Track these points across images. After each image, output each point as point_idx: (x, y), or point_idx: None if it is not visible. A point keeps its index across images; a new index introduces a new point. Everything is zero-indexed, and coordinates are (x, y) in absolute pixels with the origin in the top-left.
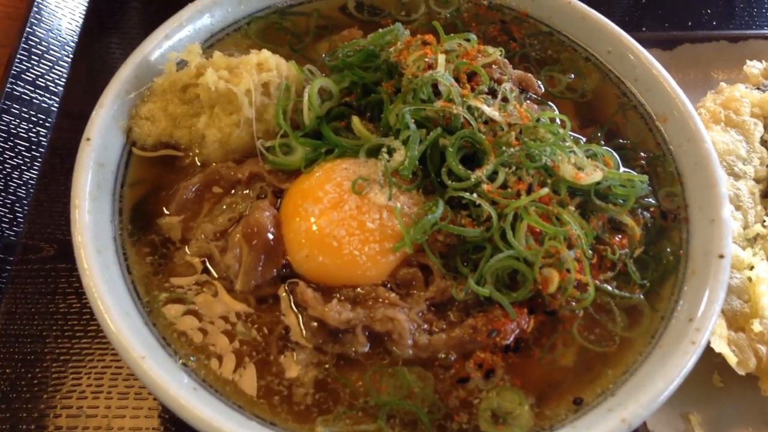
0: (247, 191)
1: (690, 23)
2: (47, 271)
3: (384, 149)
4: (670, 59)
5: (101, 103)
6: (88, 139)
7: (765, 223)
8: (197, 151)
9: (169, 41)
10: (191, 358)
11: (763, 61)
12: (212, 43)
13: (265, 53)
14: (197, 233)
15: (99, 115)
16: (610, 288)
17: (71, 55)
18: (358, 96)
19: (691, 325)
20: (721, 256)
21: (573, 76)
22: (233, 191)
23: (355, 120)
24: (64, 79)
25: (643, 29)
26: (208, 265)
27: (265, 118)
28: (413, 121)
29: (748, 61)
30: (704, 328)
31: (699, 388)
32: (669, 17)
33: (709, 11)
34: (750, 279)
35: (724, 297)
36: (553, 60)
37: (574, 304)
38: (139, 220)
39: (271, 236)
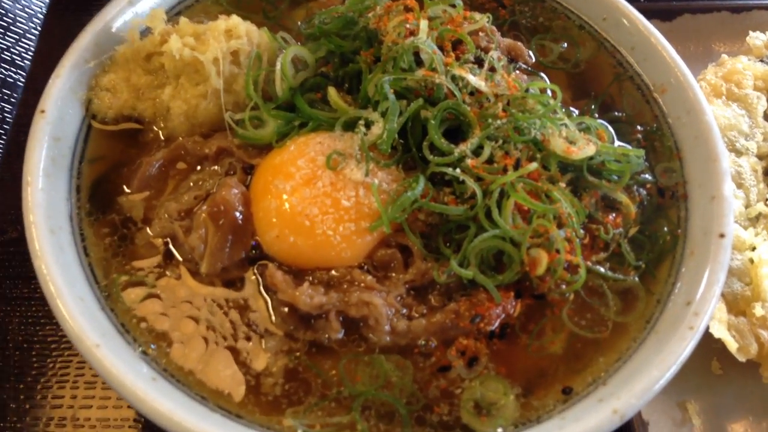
0: (215, 167)
1: None
2: (11, 255)
3: (361, 122)
4: (669, 31)
5: (57, 73)
6: (42, 111)
7: None
8: (162, 125)
9: (133, 7)
10: (151, 345)
11: (766, 32)
12: (180, 9)
13: (235, 19)
14: (160, 212)
15: (55, 85)
16: (602, 270)
17: (39, 28)
18: (336, 66)
19: (689, 309)
20: (722, 236)
21: (566, 45)
22: (200, 167)
23: (332, 91)
24: (31, 53)
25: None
26: (171, 246)
27: (235, 89)
28: (392, 91)
29: (751, 32)
30: (703, 312)
31: (697, 376)
32: None
33: None
34: (752, 260)
35: (724, 279)
36: (544, 28)
37: (564, 287)
38: (99, 199)
39: (239, 215)
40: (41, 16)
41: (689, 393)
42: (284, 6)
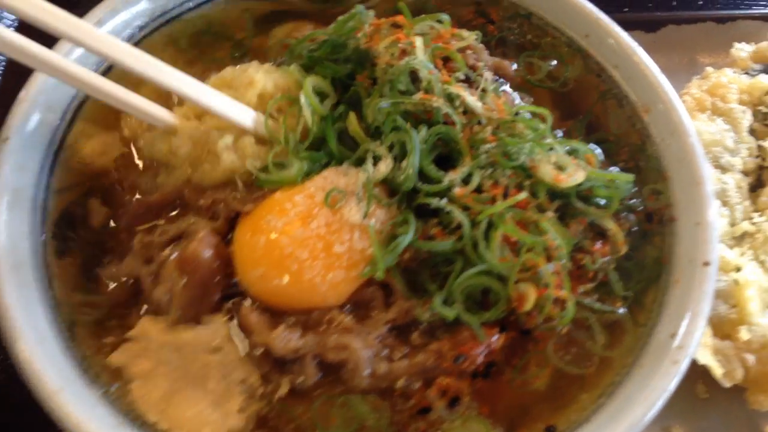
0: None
1: (675, 3)
2: None
3: (369, 155)
4: (653, 42)
5: (22, 97)
6: (6, 139)
7: (753, 221)
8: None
9: (104, 27)
10: (113, 385)
11: (753, 43)
12: (147, 33)
13: (256, 75)
14: (132, 252)
15: (21, 110)
16: (590, 302)
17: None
18: (338, 93)
19: (672, 341)
20: (707, 264)
21: (555, 62)
22: (187, 215)
23: (352, 118)
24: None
25: (625, 9)
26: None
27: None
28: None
29: (735, 44)
30: (687, 345)
31: (682, 400)
32: None
33: None
34: (737, 282)
35: (709, 309)
36: (533, 45)
37: (552, 322)
38: (66, 231)
39: (209, 270)
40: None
41: (674, 417)
42: (249, 40)
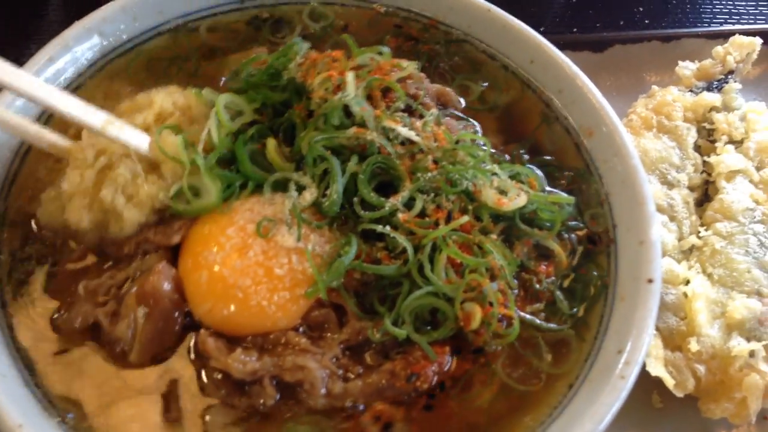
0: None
1: (622, 22)
2: None
3: (292, 185)
4: (600, 62)
5: None
6: None
7: (700, 234)
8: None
9: (55, 64)
10: (68, 415)
11: (696, 61)
12: (100, 67)
13: (156, 96)
14: (79, 299)
15: None
16: (537, 320)
17: None
18: (269, 116)
19: (620, 357)
20: (650, 281)
21: (486, 84)
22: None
23: (270, 144)
24: None
25: (574, 30)
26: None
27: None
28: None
29: (680, 62)
30: (634, 361)
31: (637, 409)
32: (601, 17)
33: (641, 9)
34: (685, 294)
35: (653, 325)
36: (469, 70)
37: (499, 339)
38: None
39: (171, 303)
40: None
41: (630, 427)
42: (197, 64)
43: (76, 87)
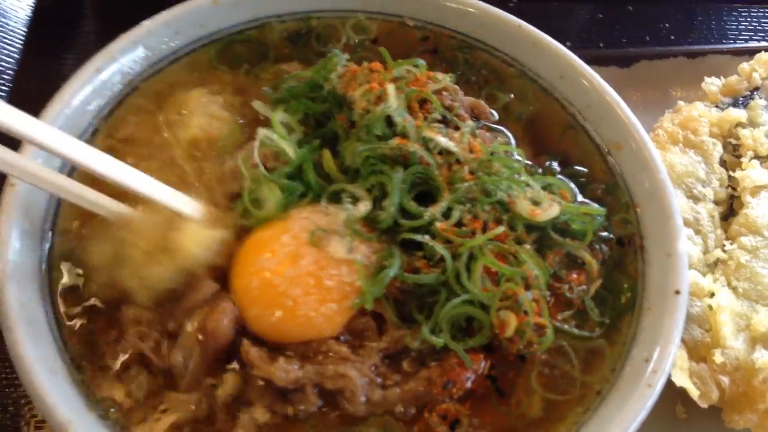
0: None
1: (648, 38)
2: None
3: (346, 196)
4: (627, 77)
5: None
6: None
7: (725, 248)
8: None
9: (101, 75)
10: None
11: (722, 77)
12: (149, 75)
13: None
14: (129, 334)
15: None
16: (568, 328)
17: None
18: (312, 128)
19: (647, 366)
20: (677, 292)
21: (512, 95)
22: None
23: (327, 155)
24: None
25: (601, 45)
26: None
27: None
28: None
29: (706, 78)
30: (661, 369)
31: (662, 420)
32: (626, 33)
33: (667, 25)
34: (710, 307)
35: (680, 336)
36: (498, 84)
37: (533, 347)
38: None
39: (226, 341)
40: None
41: None
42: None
43: (123, 98)
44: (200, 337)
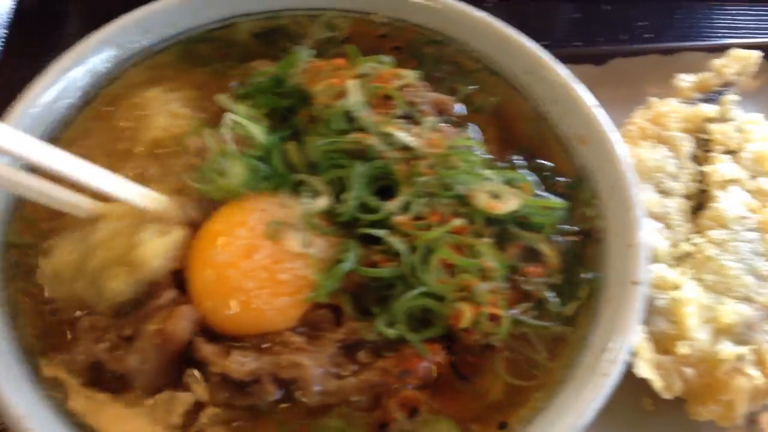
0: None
1: (624, 37)
2: None
3: (306, 188)
4: (601, 75)
5: None
6: None
7: (694, 241)
8: None
9: (69, 74)
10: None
11: (695, 73)
12: (118, 75)
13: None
14: (82, 332)
15: None
16: (527, 319)
17: None
18: (276, 122)
19: (604, 356)
20: (636, 283)
21: (483, 94)
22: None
23: (292, 147)
24: None
25: (577, 44)
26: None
27: None
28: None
29: (678, 75)
30: (617, 360)
31: (628, 412)
32: (604, 32)
33: (643, 24)
34: (676, 300)
35: (638, 326)
36: (465, 80)
37: (489, 338)
38: None
39: (184, 344)
40: None
41: (621, 429)
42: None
43: (90, 99)
44: (158, 340)
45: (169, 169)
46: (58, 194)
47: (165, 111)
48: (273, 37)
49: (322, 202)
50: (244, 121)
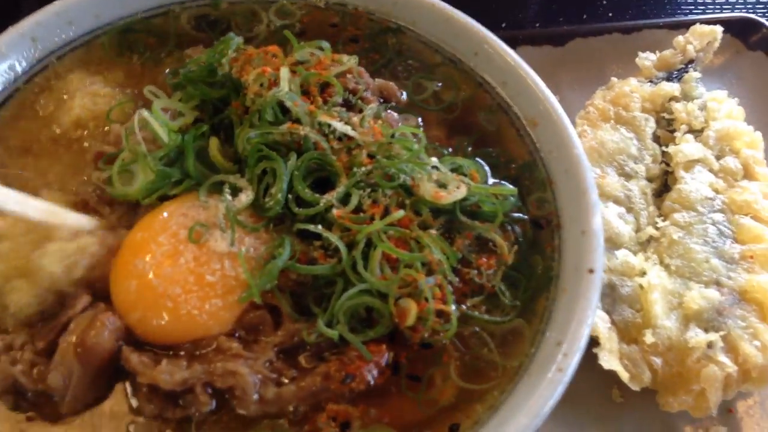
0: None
1: (585, 16)
2: None
3: (226, 188)
4: (562, 56)
5: None
6: None
7: (658, 225)
8: None
9: None
10: None
11: (657, 51)
12: (38, 70)
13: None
14: None
15: None
16: (478, 314)
17: None
18: (209, 114)
19: (559, 349)
20: (591, 271)
21: (440, 84)
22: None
23: (213, 143)
24: None
25: (537, 25)
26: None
27: None
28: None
29: (640, 53)
30: (572, 353)
31: (597, 404)
32: (564, 12)
33: (605, 3)
34: (641, 286)
35: (593, 317)
36: (420, 68)
37: (437, 336)
38: None
39: (110, 354)
40: None
41: (590, 422)
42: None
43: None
44: (80, 352)
45: (82, 165)
46: None
47: (86, 91)
48: (220, 26)
49: (245, 198)
50: (151, 119)
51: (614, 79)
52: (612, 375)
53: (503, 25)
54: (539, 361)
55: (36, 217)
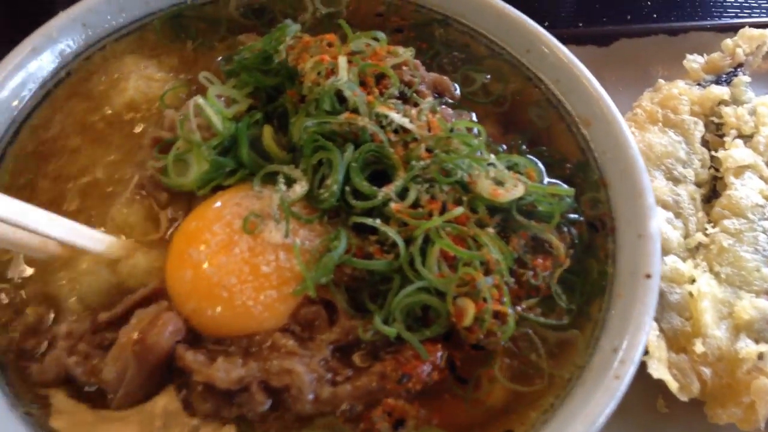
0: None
1: (629, 17)
2: None
3: (280, 178)
4: (606, 56)
5: None
6: None
7: (707, 232)
8: None
9: (38, 56)
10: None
11: (705, 54)
12: (89, 54)
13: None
14: (56, 341)
15: None
16: (533, 316)
17: None
18: (263, 102)
19: (615, 356)
20: (648, 276)
21: (489, 76)
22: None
23: (267, 132)
24: None
25: (580, 25)
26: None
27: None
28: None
29: (688, 56)
30: (630, 360)
31: (642, 414)
32: (607, 11)
33: (649, 3)
34: (691, 294)
35: (651, 322)
36: (467, 60)
37: (493, 337)
38: None
39: (167, 354)
40: None
41: None
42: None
43: (59, 80)
44: (138, 349)
45: (135, 148)
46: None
47: (141, 74)
48: (268, 13)
49: (299, 189)
50: (206, 106)
51: (662, 81)
52: (657, 385)
53: (545, 24)
54: (595, 367)
55: (60, 236)
